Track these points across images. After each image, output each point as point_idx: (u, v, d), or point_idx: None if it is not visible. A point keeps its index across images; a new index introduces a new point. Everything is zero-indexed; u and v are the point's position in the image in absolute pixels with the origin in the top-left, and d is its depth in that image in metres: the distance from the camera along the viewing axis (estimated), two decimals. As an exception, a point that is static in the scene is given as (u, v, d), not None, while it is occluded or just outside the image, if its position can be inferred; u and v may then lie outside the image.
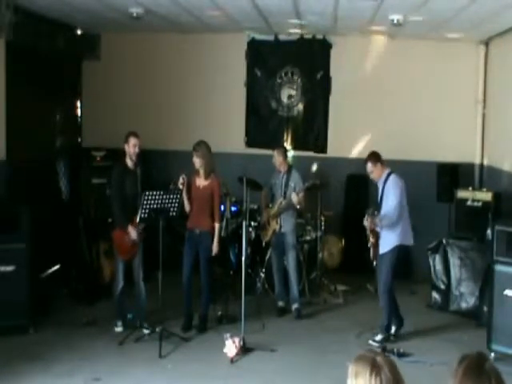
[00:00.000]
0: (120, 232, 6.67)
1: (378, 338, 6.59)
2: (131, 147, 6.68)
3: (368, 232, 6.65)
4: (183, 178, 6.69)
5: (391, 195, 6.50)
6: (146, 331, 6.59)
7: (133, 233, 6.54)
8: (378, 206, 6.63)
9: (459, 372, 2.30)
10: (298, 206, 7.52)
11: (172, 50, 9.75)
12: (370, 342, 6.53)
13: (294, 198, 7.35)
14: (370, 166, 6.62)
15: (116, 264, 6.87)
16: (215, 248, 6.83)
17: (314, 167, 7.22)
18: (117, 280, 6.82)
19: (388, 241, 6.55)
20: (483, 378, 2.25)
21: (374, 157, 6.66)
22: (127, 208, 6.60)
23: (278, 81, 9.73)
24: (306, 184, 7.54)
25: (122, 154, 6.84)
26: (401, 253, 6.65)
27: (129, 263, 6.80)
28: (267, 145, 9.08)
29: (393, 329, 6.74)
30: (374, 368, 2.23)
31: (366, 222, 6.55)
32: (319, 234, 8.42)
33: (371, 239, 6.63)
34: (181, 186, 6.65)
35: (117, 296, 6.84)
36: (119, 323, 6.82)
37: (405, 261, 9.05)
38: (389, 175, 6.60)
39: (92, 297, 7.70)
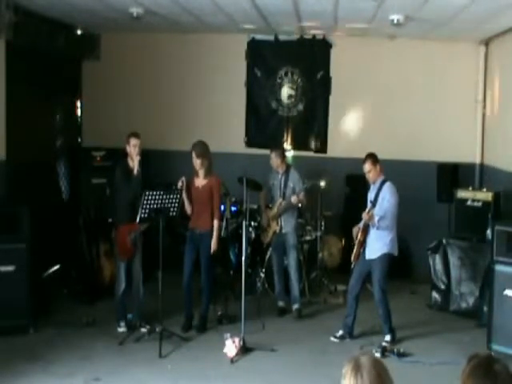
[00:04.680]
0: (122, 231, 6.68)
1: (388, 338, 6.59)
2: (131, 147, 6.71)
3: (359, 227, 6.63)
4: (182, 181, 6.70)
5: (388, 201, 6.51)
6: (143, 330, 6.62)
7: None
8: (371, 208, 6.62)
9: (466, 370, 2.30)
10: (300, 205, 7.53)
11: (172, 50, 9.75)
12: (383, 343, 6.48)
13: (294, 199, 7.34)
14: (368, 165, 6.62)
15: (118, 266, 6.88)
16: (214, 245, 6.81)
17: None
18: (119, 282, 6.82)
19: (378, 247, 6.57)
20: (488, 379, 2.23)
21: (373, 157, 6.68)
22: (128, 208, 6.60)
23: (278, 81, 9.73)
24: (305, 185, 7.55)
25: (123, 154, 6.85)
26: (390, 262, 6.65)
27: (129, 264, 6.81)
28: (267, 145, 9.05)
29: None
30: (357, 368, 2.27)
31: (365, 215, 6.54)
32: (319, 233, 8.43)
33: (359, 236, 6.62)
34: (180, 188, 6.65)
35: (119, 297, 6.84)
36: (122, 323, 6.82)
37: (404, 261, 9.14)
38: (384, 182, 6.63)
39: (92, 297, 7.69)
